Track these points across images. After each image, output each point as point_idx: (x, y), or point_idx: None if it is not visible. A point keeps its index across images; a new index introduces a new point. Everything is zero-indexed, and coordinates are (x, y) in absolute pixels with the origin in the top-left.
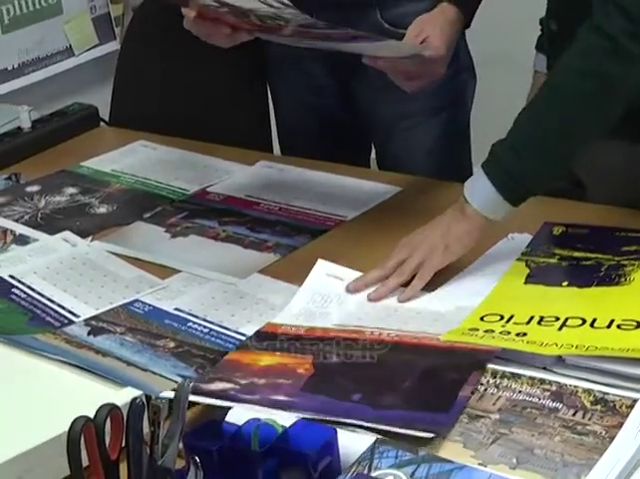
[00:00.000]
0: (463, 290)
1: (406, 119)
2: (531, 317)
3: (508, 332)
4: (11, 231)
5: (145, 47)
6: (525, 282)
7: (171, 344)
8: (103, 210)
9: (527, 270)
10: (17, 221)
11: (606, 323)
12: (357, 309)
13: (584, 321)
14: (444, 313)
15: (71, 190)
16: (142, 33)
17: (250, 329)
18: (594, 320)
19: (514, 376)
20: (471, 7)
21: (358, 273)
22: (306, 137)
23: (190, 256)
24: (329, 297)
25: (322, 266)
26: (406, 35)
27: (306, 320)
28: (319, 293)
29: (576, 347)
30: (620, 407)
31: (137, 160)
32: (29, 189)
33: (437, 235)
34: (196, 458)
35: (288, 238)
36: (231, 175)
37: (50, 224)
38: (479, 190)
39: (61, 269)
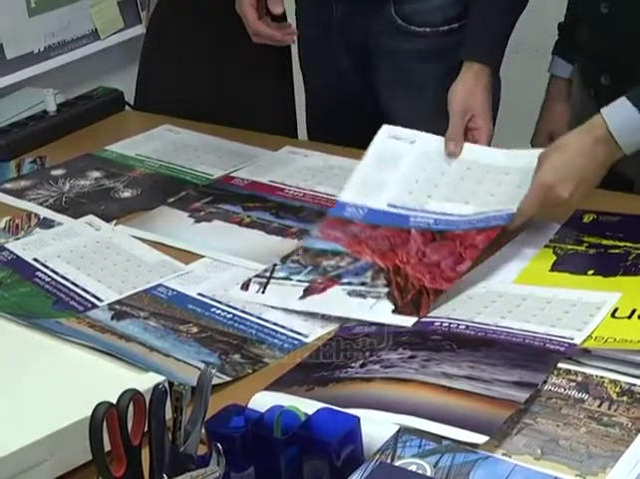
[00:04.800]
0: (490, 275)
1: (422, 120)
2: None
3: None
4: (35, 214)
5: (170, 31)
6: (551, 270)
7: (195, 330)
8: (127, 194)
9: (554, 257)
10: (42, 204)
11: (627, 313)
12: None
13: None
14: (473, 297)
15: (95, 174)
16: (167, 17)
17: (273, 316)
18: (616, 310)
19: None
20: (500, 58)
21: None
22: (333, 121)
23: (214, 242)
24: (388, 159)
25: (385, 130)
26: (451, 117)
27: (360, 199)
28: (380, 157)
29: (595, 339)
30: None
31: (161, 144)
32: (54, 172)
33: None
34: (219, 445)
35: (312, 224)
36: (256, 160)
37: (75, 207)
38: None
39: (85, 253)
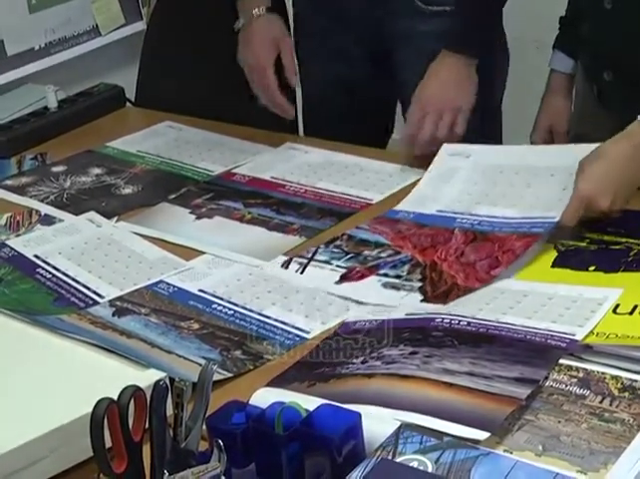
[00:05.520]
0: None
1: None
2: None
3: None
4: (36, 211)
5: (171, 28)
6: (552, 266)
7: (196, 326)
8: (128, 190)
9: (556, 254)
10: (43, 201)
11: (629, 309)
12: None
13: None
14: (475, 293)
15: (96, 170)
16: (168, 14)
17: (275, 312)
18: (617, 306)
19: None
20: (465, 41)
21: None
22: (329, 110)
23: (216, 238)
24: (445, 176)
25: (444, 149)
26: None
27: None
28: (437, 174)
29: (597, 335)
30: None
31: (162, 141)
32: (55, 169)
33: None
34: (220, 441)
35: (314, 220)
36: (257, 156)
37: (76, 204)
38: None
39: (86, 250)
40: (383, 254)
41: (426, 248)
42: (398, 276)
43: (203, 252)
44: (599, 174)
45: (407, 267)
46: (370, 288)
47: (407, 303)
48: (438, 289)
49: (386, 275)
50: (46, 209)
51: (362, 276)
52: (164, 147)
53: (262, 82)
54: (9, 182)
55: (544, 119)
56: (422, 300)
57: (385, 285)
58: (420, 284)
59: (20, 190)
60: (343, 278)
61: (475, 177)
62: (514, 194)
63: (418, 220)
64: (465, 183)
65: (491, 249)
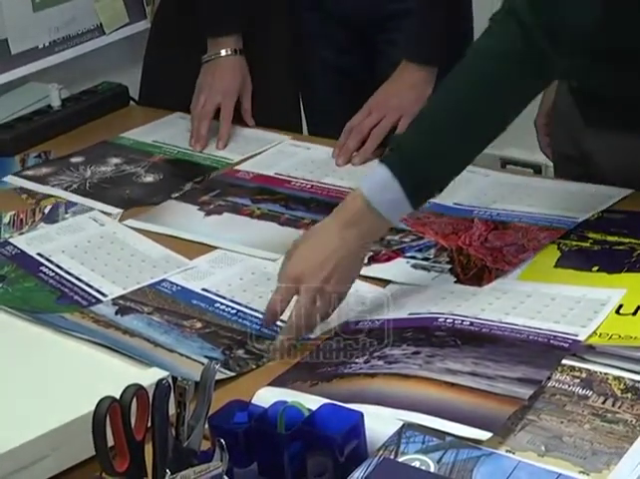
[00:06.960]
0: None
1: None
2: None
3: None
4: (40, 209)
5: (174, 26)
6: (555, 266)
7: (198, 325)
8: (150, 179)
9: (559, 254)
10: (66, 189)
11: (632, 310)
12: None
13: None
14: (478, 294)
15: (115, 160)
16: (171, 12)
17: None
18: (620, 306)
19: None
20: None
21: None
22: (331, 98)
23: (229, 234)
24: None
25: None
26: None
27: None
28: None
29: (600, 336)
30: None
31: (176, 131)
32: (73, 159)
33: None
34: (222, 440)
35: (325, 215)
36: (257, 153)
37: (99, 192)
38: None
39: (89, 248)
40: (406, 239)
41: (448, 235)
42: (425, 259)
43: (207, 252)
44: (306, 254)
45: (433, 251)
46: (399, 269)
47: (439, 284)
48: (469, 272)
49: (413, 258)
50: (70, 197)
51: (389, 259)
52: (180, 137)
53: (225, 106)
54: (30, 172)
55: (547, 102)
56: (455, 282)
57: (415, 267)
58: (449, 267)
59: (41, 179)
60: (371, 260)
61: (492, 184)
62: (533, 198)
63: (435, 209)
64: (481, 186)
65: (515, 237)
